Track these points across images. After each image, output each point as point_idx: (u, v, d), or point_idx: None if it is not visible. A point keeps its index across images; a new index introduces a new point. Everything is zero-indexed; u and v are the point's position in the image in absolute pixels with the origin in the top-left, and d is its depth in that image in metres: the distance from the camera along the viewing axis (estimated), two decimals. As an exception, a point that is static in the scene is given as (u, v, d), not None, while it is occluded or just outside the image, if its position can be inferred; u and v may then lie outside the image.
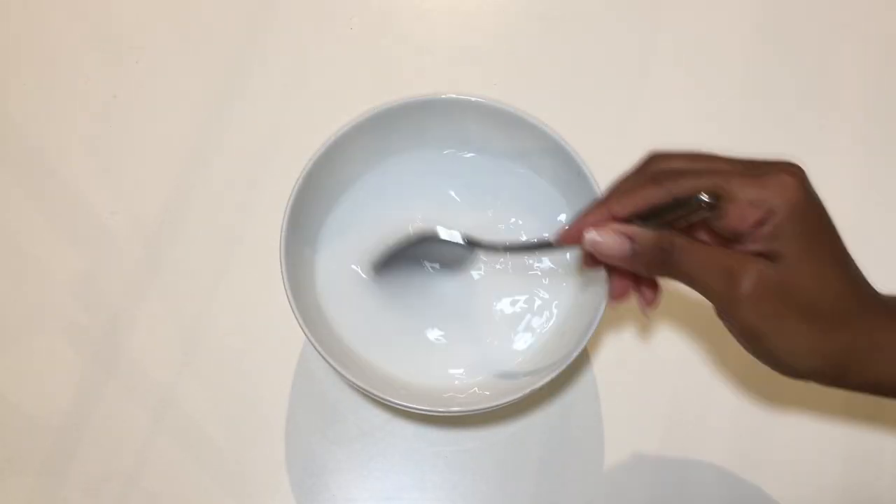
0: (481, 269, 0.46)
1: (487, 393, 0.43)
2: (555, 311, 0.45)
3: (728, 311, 0.33)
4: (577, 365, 0.48)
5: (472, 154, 0.47)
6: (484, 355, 0.45)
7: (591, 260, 0.36)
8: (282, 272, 0.40)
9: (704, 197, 0.32)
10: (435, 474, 0.46)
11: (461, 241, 0.42)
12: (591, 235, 0.34)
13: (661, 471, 0.47)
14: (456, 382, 0.44)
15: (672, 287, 0.50)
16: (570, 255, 0.46)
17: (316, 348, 0.39)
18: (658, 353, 0.49)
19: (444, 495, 0.46)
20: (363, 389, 0.39)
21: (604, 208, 0.35)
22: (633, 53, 0.58)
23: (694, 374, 0.49)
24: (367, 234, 0.47)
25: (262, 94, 0.56)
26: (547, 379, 0.39)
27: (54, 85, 0.56)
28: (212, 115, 0.55)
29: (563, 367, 0.39)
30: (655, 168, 0.35)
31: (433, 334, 0.45)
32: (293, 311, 0.40)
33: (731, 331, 0.34)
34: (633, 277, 0.38)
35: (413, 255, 0.44)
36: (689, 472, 0.47)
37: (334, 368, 0.39)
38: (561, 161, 0.43)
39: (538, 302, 0.46)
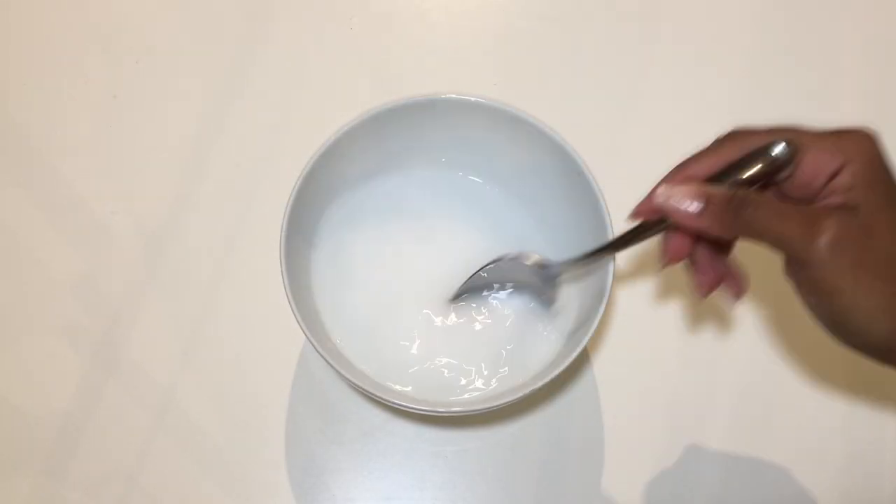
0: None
1: (487, 393, 0.43)
2: (555, 311, 0.45)
3: (805, 262, 0.31)
4: (577, 365, 0.48)
5: (471, 155, 0.47)
6: (484, 355, 0.45)
7: (672, 249, 0.35)
8: (282, 272, 0.40)
9: (781, 146, 0.31)
10: (435, 474, 0.46)
11: (540, 266, 0.43)
12: (663, 190, 0.33)
13: (662, 470, 0.47)
14: (456, 382, 0.44)
15: (672, 286, 0.50)
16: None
17: (316, 348, 0.39)
18: (658, 353, 0.49)
19: (444, 495, 0.46)
20: (363, 389, 0.39)
21: (679, 172, 0.34)
22: (634, 53, 0.58)
23: (694, 374, 0.49)
24: (368, 235, 0.47)
25: (262, 94, 0.56)
26: (547, 379, 0.39)
27: (54, 85, 0.56)
28: (212, 115, 0.55)
29: (563, 367, 0.39)
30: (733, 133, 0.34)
31: (433, 333, 0.45)
32: (293, 311, 0.40)
33: (799, 290, 0.33)
34: (711, 264, 0.36)
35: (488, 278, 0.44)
36: (690, 470, 0.47)
37: (334, 368, 0.39)
38: (561, 161, 0.43)
39: (538, 302, 0.46)
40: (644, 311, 0.50)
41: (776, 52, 0.57)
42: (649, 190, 0.34)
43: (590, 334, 0.39)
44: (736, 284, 0.37)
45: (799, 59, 0.57)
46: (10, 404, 0.48)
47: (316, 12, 0.58)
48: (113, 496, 0.46)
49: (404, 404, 0.39)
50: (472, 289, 0.45)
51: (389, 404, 0.40)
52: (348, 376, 0.39)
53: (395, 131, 0.45)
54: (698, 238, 0.35)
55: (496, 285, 0.45)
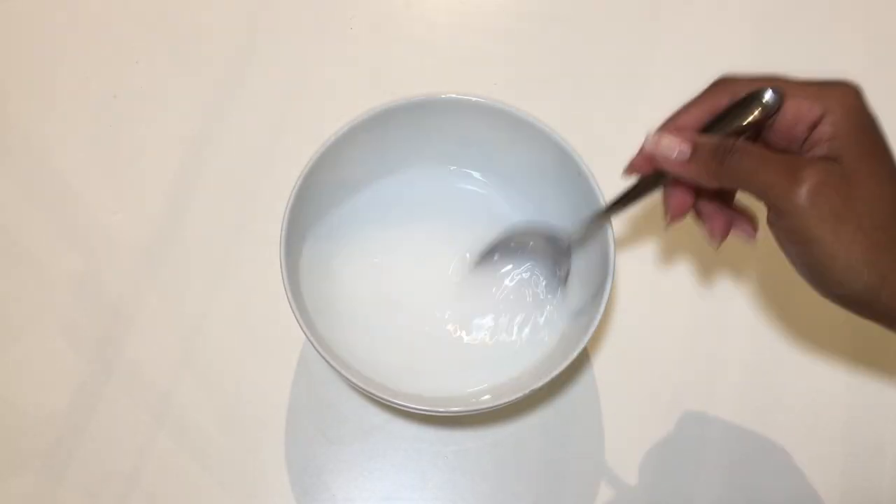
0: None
1: (488, 393, 0.43)
2: (556, 311, 0.45)
3: (786, 211, 0.31)
4: (577, 365, 0.48)
5: (472, 155, 0.47)
6: (484, 355, 0.45)
7: (674, 204, 0.36)
8: (282, 272, 0.40)
9: (769, 93, 0.32)
10: (435, 474, 0.46)
11: (556, 234, 0.44)
12: (653, 137, 0.34)
13: (662, 470, 0.47)
14: (457, 382, 0.44)
15: (672, 285, 0.50)
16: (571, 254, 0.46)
17: (316, 348, 0.39)
18: (658, 353, 0.49)
19: (444, 495, 0.46)
20: (363, 389, 0.39)
21: (671, 122, 0.35)
22: (634, 53, 0.58)
23: (694, 374, 0.49)
24: (368, 234, 0.47)
25: (262, 94, 0.56)
26: (547, 379, 0.39)
27: (54, 85, 0.56)
28: (212, 115, 0.55)
29: (563, 367, 0.39)
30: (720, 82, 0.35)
31: (433, 334, 0.45)
32: (293, 311, 0.40)
33: (780, 240, 0.33)
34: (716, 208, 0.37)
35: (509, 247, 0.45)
36: (691, 471, 0.47)
37: (334, 368, 0.39)
38: (561, 161, 0.43)
39: (538, 302, 0.46)
40: (644, 311, 0.50)
41: (778, 51, 0.57)
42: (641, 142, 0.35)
43: (590, 334, 0.39)
44: (746, 225, 0.37)
45: (800, 59, 0.57)
46: (10, 404, 0.48)
47: (316, 12, 0.58)
48: (113, 496, 0.46)
49: (404, 404, 0.39)
50: (488, 263, 0.46)
51: (389, 404, 0.40)
52: (348, 376, 0.39)
53: (395, 131, 0.45)
54: (699, 190, 0.36)
55: (509, 265, 0.46)
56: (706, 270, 0.51)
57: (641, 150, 0.35)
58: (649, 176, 0.37)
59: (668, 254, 0.51)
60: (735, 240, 0.37)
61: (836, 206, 0.30)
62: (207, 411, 0.48)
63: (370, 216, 0.47)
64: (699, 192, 0.36)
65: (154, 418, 0.47)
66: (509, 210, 0.48)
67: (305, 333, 0.39)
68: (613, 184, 0.42)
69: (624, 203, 0.39)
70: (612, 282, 0.40)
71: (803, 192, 0.30)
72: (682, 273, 0.51)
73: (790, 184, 0.31)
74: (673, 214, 0.36)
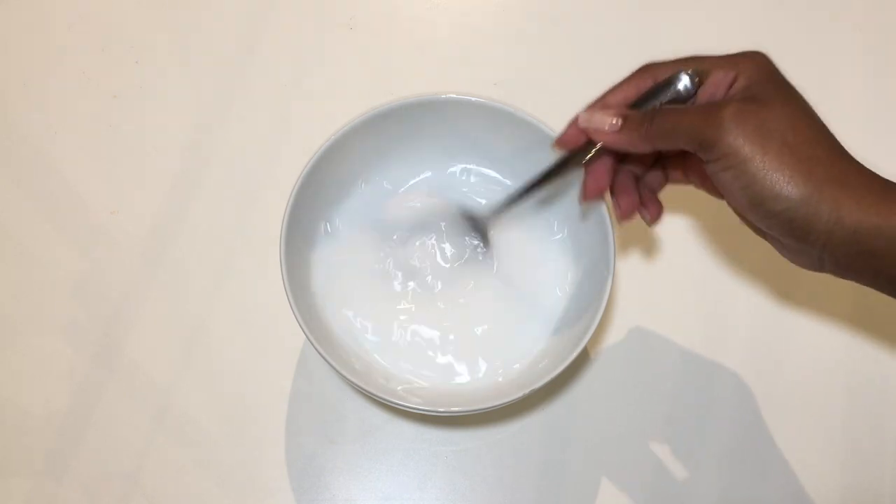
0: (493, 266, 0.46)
1: (488, 393, 0.43)
2: (555, 310, 0.45)
3: (714, 140, 0.33)
4: (577, 365, 0.48)
5: (472, 155, 0.47)
6: (485, 355, 0.45)
7: (590, 183, 0.39)
8: (282, 272, 0.40)
9: (686, 74, 0.35)
10: (435, 474, 0.46)
11: (474, 214, 0.45)
12: (585, 114, 0.37)
13: (662, 470, 0.47)
14: (456, 382, 0.44)
15: (672, 285, 0.50)
16: (570, 253, 0.46)
17: (316, 348, 0.39)
18: (658, 352, 0.49)
19: (444, 495, 0.46)
20: (363, 389, 0.39)
21: (598, 102, 0.37)
22: (634, 53, 0.57)
23: (695, 374, 0.49)
24: (368, 234, 0.47)
25: (262, 94, 0.56)
26: (547, 379, 0.39)
27: (54, 85, 0.56)
28: (211, 114, 0.55)
29: (563, 367, 0.39)
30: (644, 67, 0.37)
31: (433, 334, 0.45)
32: (293, 311, 0.40)
33: (717, 177, 0.34)
34: (635, 193, 0.39)
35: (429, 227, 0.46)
36: (691, 471, 0.47)
37: (334, 368, 0.39)
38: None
39: (538, 302, 0.46)
40: (644, 311, 0.50)
41: (778, 51, 0.57)
42: (570, 119, 0.38)
43: (590, 334, 0.39)
44: (653, 208, 0.40)
45: (800, 59, 0.57)
46: (10, 404, 0.48)
47: (316, 12, 0.58)
48: (113, 496, 0.46)
49: (404, 404, 0.39)
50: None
51: (389, 404, 0.40)
52: (348, 376, 0.39)
53: (395, 131, 0.45)
54: (617, 163, 0.39)
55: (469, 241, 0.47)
56: (706, 270, 0.51)
57: (572, 125, 0.38)
58: (573, 153, 0.39)
59: (668, 254, 0.51)
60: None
61: (759, 125, 0.32)
62: (207, 411, 0.48)
63: (370, 215, 0.47)
64: (617, 163, 0.39)
65: (154, 418, 0.47)
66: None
67: (305, 333, 0.39)
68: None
69: (546, 179, 0.40)
70: (612, 282, 0.40)
71: (726, 116, 0.32)
72: (682, 273, 0.51)
73: (713, 117, 0.33)
74: (589, 192, 0.39)
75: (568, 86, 0.57)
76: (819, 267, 0.34)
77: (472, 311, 0.45)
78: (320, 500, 0.46)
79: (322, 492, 0.46)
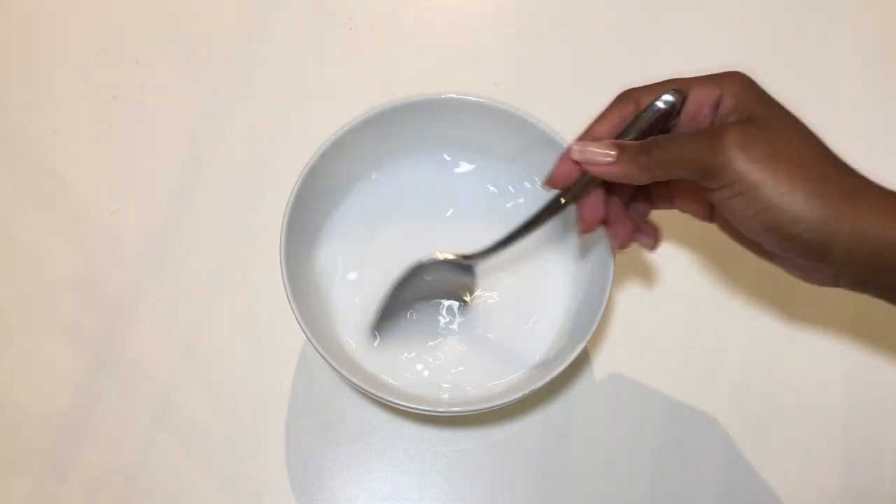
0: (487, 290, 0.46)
1: (487, 393, 0.43)
2: (555, 311, 0.45)
3: (719, 167, 0.32)
4: (577, 365, 0.48)
5: (472, 155, 0.47)
6: (485, 356, 0.45)
7: (587, 215, 0.38)
8: (282, 272, 0.40)
9: (668, 96, 0.35)
10: (435, 474, 0.46)
11: (459, 260, 0.43)
12: (578, 146, 0.36)
13: (662, 470, 0.46)
14: (456, 382, 0.44)
15: (672, 285, 0.50)
16: (570, 251, 0.46)
17: (316, 348, 0.39)
18: (657, 353, 0.49)
19: (444, 495, 0.46)
20: (363, 389, 0.39)
21: (586, 135, 0.37)
22: (634, 53, 0.58)
23: (695, 373, 0.49)
24: (368, 234, 0.47)
25: (262, 94, 0.56)
26: (547, 379, 0.39)
27: (54, 85, 0.56)
28: (212, 114, 0.55)
29: (563, 367, 0.39)
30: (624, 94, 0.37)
31: (432, 333, 0.45)
32: (293, 312, 0.40)
33: (726, 207, 0.33)
34: (632, 223, 0.39)
35: (412, 295, 0.45)
36: (690, 471, 0.47)
37: (334, 368, 0.39)
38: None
39: (538, 302, 0.46)
40: (644, 311, 0.50)
41: (778, 51, 0.57)
42: (557, 161, 0.37)
43: (590, 334, 0.39)
44: (650, 232, 0.39)
45: (800, 58, 0.57)
46: (10, 404, 0.48)
47: (316, 12, 0.58)
48: (113, 496, 0.46)
49: (404, 404, 0.39)
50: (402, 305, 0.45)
51: (389, 404, 0.40)
52: (348, 376, 0.39)
53: (395, 131, 0.45)
54: (609, 195, 0.38)
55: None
56: (706, 271, 0.51)
57: (564, 161, 0.37)
58: (566, 190, 0.38)
59: (668, 254, 0.51)
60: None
61: (765, 149, 0.31)
62: (207, 411, 0.48)
63: (371, 215, 0.47)
64: (610, 194, 0.38)
65: (154, 418, 0.47)
66: (510, 208, 0.48)
67: (305, 333, 0.39)
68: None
69: (542, 220, 0.39)
70: (612, 282, 0.40)
71: (730, 143, 0.32)
72: (682, 273, 0.51)
73: (716, 143, 0.32)
74: (586, 225, 0.38)
75: (568, 86, 0.57)
76: (834, 283, 0.34)
77: (473, 313, 0.45)
78: (320, 500, 0.46)
79: (322, 492, 0.46)
